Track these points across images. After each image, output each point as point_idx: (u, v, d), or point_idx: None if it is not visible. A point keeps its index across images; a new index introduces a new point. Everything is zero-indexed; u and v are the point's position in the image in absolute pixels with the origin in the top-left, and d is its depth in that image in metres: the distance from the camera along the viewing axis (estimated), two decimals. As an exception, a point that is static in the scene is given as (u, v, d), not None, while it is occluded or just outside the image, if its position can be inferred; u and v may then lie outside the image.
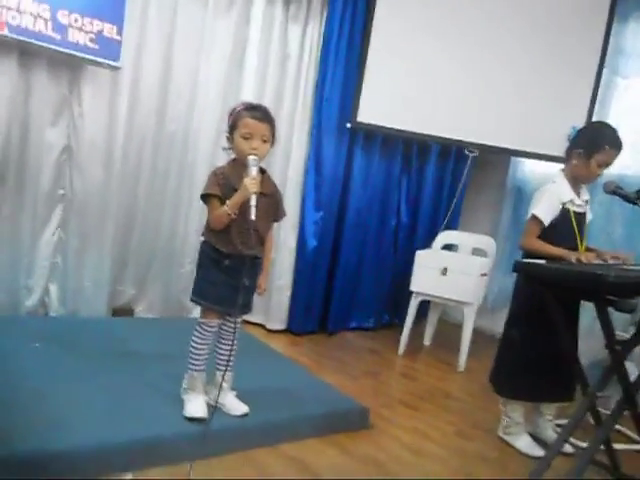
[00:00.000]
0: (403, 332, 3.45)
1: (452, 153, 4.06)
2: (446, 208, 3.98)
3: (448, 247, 3.72)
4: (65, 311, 2.95)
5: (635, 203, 2.13)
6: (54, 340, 2.51)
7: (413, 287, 3.41)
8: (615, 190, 2.17)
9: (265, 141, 1.97)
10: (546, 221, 2.28)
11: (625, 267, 2.07)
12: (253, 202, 1.88)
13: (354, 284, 3.81)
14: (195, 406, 2.00)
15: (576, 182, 2.34)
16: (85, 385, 2.14)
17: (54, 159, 2.88)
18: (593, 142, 2.27)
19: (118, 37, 2.77)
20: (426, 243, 3.77)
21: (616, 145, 2.24)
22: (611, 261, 2.16)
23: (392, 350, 3.48)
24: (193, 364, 2.05)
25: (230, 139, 2.01)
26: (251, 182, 1.89)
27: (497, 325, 2.45)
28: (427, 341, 3.76)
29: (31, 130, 2.79)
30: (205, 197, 1.99)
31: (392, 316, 4.03)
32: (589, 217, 2.41)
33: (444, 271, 3.31)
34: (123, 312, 3.21)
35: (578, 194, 2.34)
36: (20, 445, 1.66)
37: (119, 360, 2.43)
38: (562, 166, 2.40)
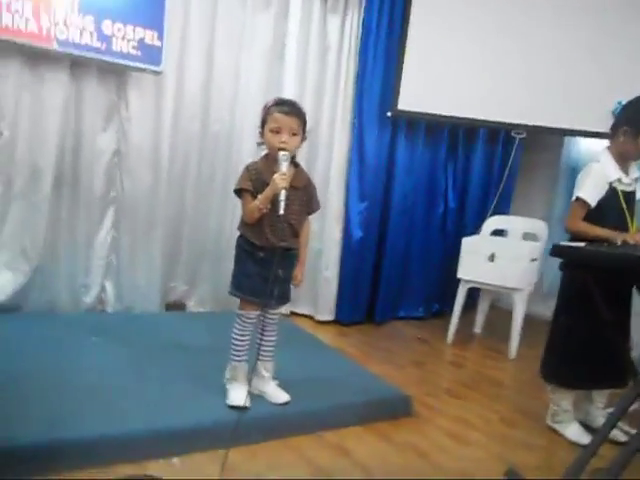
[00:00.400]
0: (452, 320, 3.41)
1: (500, 136, 3.96)
2: (495, 193, 3.88)
3: (498, 232, 3.64)
4: (121, 307, 3.09)
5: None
6: (111, 334, 2.66)
7: (460, 274, 3.36)
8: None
9: (294, 134, 2.00)
10: (593, 202, 2.20)
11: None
12: (282, 197, 1.92)
13: (401, 273, 3.80)
14: (237, 395, 2.07)
15: (623, 160, 2.24)
16: (137, 376, 2.26)
17: (105, 163, 3.01)
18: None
19: (159, 43, 2.87)
20: (476, 229, 3.70)
21: None
22: None
23: (441, 339, 3.45)
24: (234, 354, 2.13)
25: (262, 134, 2.05)
26: (280, 177, 1.93)
27: (552, 311, 2.39)
28: (478, 329, 3.70)
29: (84, 136, 2.93)
30: (238, 192, 2.05)
31: (442, 304, 3.98)
32: (639, 195, 2.30)
33: (492, 257, 3.24)
34: (176, 307, 3.34)
35: (626, 172, 2.24)
36: (78, 430, 1.78)
37: (171, 352, 2.54)
38: (607, 143, 2.30)
